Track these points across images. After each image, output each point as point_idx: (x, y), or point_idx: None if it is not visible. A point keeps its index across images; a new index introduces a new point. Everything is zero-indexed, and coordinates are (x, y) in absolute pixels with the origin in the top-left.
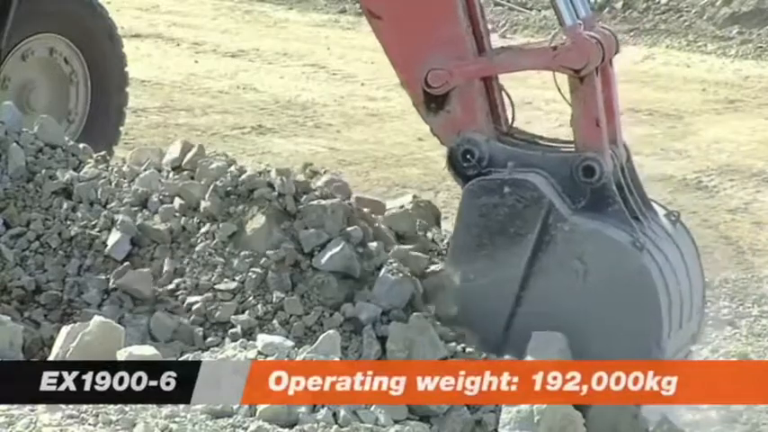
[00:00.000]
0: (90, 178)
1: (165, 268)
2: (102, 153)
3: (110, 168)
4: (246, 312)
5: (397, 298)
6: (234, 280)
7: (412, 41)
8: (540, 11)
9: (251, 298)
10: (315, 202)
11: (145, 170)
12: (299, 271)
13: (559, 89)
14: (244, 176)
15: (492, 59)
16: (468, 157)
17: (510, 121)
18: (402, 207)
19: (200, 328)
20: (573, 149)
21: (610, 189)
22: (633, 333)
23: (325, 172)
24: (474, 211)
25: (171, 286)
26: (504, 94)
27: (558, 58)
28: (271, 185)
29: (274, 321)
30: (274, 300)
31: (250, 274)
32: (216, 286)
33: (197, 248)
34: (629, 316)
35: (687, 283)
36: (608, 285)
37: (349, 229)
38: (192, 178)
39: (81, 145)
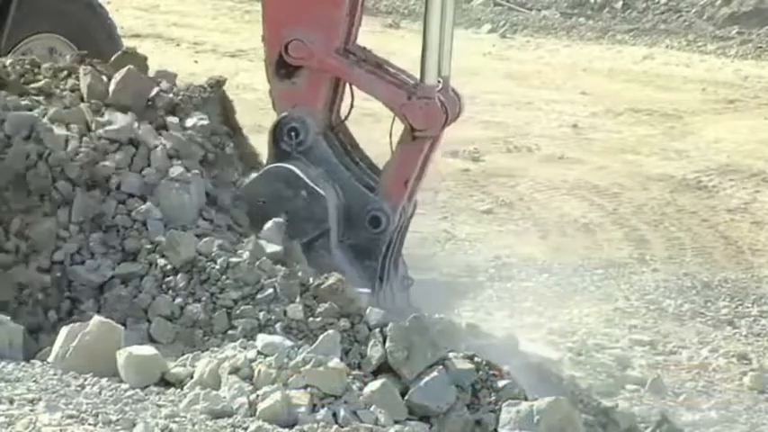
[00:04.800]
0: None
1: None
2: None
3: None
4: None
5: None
6: (239, 288)
7: (290, 4)
8: (539, 11)
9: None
10: None
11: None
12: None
13: (391, 132)
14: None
15: (353, 69)
16: (293, 134)
17: (341, 115)
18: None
19: (201, 330)
20: (375, 184)
21: (379, 246)
22: None
23: None
24: (266, 187)
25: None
26: (349, 88)
27: (405, 108)
28: None
29: (276, 326)
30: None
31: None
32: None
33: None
34: None
35: None
36: None
37: None
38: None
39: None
